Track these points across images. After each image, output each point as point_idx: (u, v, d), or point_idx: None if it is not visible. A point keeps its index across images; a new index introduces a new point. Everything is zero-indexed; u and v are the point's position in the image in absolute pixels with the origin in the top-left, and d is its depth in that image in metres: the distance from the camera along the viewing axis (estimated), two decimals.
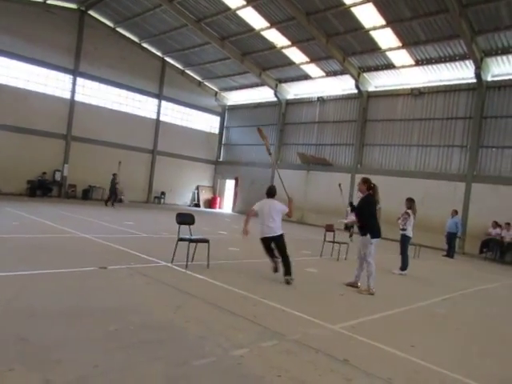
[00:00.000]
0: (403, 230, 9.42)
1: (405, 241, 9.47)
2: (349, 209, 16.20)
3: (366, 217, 6.96)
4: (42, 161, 21.72)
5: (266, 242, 7.30)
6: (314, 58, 21.59)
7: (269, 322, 4.73)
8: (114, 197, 20.56)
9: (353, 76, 21.08)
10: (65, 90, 22.97)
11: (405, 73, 19.77)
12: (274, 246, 7.21)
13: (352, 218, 11.78)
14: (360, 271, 7.24)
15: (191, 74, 28.14)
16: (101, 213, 16.33)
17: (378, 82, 21.25)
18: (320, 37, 19.16)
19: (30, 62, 21.39)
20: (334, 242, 10.57)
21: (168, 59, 26.89)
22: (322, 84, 23.65)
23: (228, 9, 19.67)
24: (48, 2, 21.62)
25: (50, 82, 22.42)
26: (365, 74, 21.18)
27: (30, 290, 5.00)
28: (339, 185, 11.14)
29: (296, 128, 25.62)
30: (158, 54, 26.44)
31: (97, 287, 5.45)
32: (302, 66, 22.77)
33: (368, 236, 6.91)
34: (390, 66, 19.72)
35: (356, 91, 21.77)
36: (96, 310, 4.52)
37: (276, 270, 7.40)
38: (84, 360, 3.23)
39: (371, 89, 21.65)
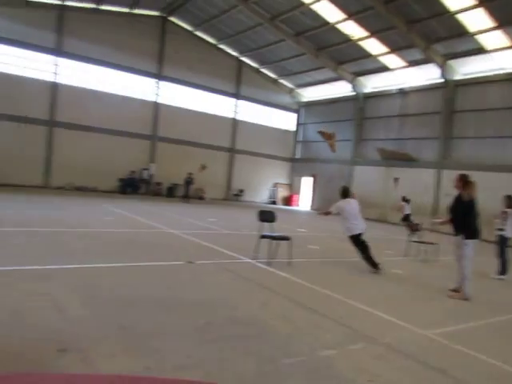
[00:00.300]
0: (501, 230, 8.62)
1: (503, 242, 8.65)
2: (403, 203, 15.35)
3: (459, 216, 6.42)
4: (130, 160, 23.32)
5: (357, 238, 7.79)
6: (393, 48, 20.63)
7: (356, 323, 4.59)
8: (187, 194, 21.82)
9: (437, 64, 19.80)
10: (149, 94, 24.39)
11: (498, 57, 18.09)
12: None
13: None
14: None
15: (267, 72, 28.38)
16: (184, 209, 17.11)
17: (467, 69, 19.70)
18: (400, 25, 18.24)
19: (118, 68, 23.04)
20: (420, 242, 9.99)
21: (244, 59, 27.38)
22: (402, 75, 22.55)
23: (302, 4, 19.49)
24: (134, 11, 23.09)
25: (137, 87, 23.95)
26: (451, 62, 19.78)
27: (127, 280, 5.37)
28: (395, 179, 10.69)
29: (375, 122, 24.72)
30: (235, 54, 27.02)
31: (186, 281, 5.70)
32: (381, 58, 21.87)
33: (461, 237, 6.36)
34: (480, 50, 18.17)
35: (441, 80, 20.44)
36: (186, 302, 4.71)
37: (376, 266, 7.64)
38: (179, 350, 3.37)
39: (458, 77, 20.17)
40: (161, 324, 3.94)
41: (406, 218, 14.90)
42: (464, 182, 6.40)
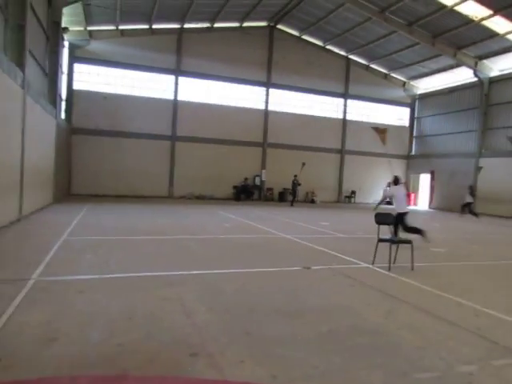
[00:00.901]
0: None
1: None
2: None
3: None
4: (244, 168, 24.32)
5: (399, 216, 9.02)
6: None
7: (497, 335, 4.06)
8: (294, 197, 21.90)
9: None
10: (260, 102, 25.18)
11: None
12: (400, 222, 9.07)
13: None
14: None
15: (376, 67, 27.27)
16: (296, 214, 17.22)
17: None
18: None
19: (230, 80, 24.25)
20: None
21: (352, 56, 26.70)
22: None
23: None
24: (244, 25, 24.11)
25: (248, 97, 24.91)
26: None
27: (247, 286, 5.53)
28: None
29: (504, 108, 22.07)
30: (342, 53, 26.50)
31: (303, 287, 5.66)
32: (509, 36, 19.43)
33: None
34: None
35: None
36: (306, 309, 4.67)
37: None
38: (304, 359, 3.33)
39: None
40: (284, 331, 3.95)
41: None
42: None
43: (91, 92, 21.76)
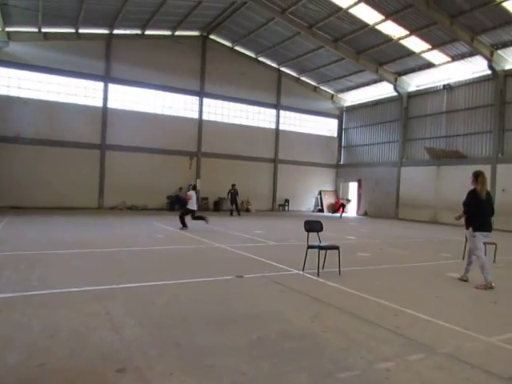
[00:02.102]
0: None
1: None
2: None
3: (470, 210, 6.99)
4: (177, 177, 24.00)
5: (191, 211, 14.07)
6: (436, 44, 20.00)
7: (413, 333, 4.41)
8: (235, 207, 21.88)
9: (485, 56, 18.96)
10: (193, 111, 25.09)
11: None
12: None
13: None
14: (467, 265, 7.29)
15: (306, 80, 28.37)
16: (230, 223, 17.31)
17: None
18: (443, 19, 17.66)
19: (162, 88, 23.92)
20: None
21: (283, 69, 27.55)
22: (447, 70, 21.78)
23: (339, 9, 19.36)
24: (176, 33, 23.96)
25: (181, 106, 24.72)
26: (500, 52, 18.90)
27: (179, 297, 5.48)
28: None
29: (421, 121, 23.96)
30: (274, 65, 27.27)
31: (236, 295, 5.73)
32: (424, 55, 21.27)
33: (470, 229, 6.95)
34: None
35: (489, 72, 19.52)
36: (237, 317, 4.74)
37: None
38: (233, 367, 3.38)
39: (509, 66, 19.14)
40: (214, 340, 3.98)
41: None
42: (475, 178, 7.01)
43: (10, 97, 20.35)
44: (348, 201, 26.74)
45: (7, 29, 19.72)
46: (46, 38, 20.91)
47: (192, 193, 14.11)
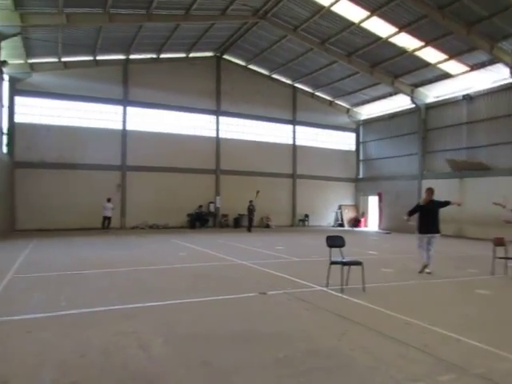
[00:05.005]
0: None
1: None
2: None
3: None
4: (197, 195, 24.26)
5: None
6: (453, 54, 19.80)
7: (443, 352, 4.30)
8: (251, 223, 22.09)
9: (506, 64, 18.57)
10: (210, 130, 25.46)
11: None
12: None
13: None
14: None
15: (321, 95, 28.49)
16: (251, 239, 17.32)
17: None
18: (459, 29, 17.49)
19: (179, 109, 24.44)
20: (507, 258, 9.19)
21: (298, 85, 27.75)
22: (466, 80, 21.52)
23: (352, 24, 19.49)
24: (190, 55, 24.53)
25: (198, 125, 25.14)
26: None
27: (204, 315, 5.51)
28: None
29: (441, 133, 23.65)
30: (288, 81, 27.51)
31: (260, 313, 5.72)
32: (441, 65, 21.09)
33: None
34: None
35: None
36: (263, 335, 4.72)
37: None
38: None
39: None
40: (240, 358, 3.98)
41: None
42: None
43: (35, 125, 21.08)
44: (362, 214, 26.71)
45: (30, 60, 20.55)
46: (66, 67, 21.69)
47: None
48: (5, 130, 19.51)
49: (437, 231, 9.45)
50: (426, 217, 9.41)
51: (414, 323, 5.33)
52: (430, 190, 9.64)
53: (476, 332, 5.02)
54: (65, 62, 21.62)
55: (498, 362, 4.11)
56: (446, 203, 9.58)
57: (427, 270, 9.20)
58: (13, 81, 20.35)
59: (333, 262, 7.28)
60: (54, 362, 3.78)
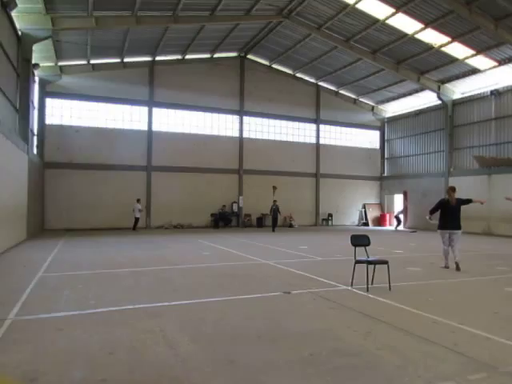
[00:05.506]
0: None
1: None
2: None
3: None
4: (221, 195, 24.43)
5: None
6: (481, 49, 19.35)
7: (473, 351, 4.21)
8: (275, 223, 21.89)
9: None
10: (234, 130, 25.58)
11: None
12: None
13: None
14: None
15: (345, 93, 28.23)
16: (275, 239, 17.32)
17: None
18: (487, 23, 17.10)
19: (203, 109, 24.64)
20: None
21: (321, 83, 27.59)
22: (494, 75, 20.95)
23: (376, 21, 19.25)
24: (215, 56, 24.73)
25: (222, 124, 25.30)
26: None
27: (229, 314, 5.55)
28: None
29: (468, 129, 23.09)
30: (312, 80, 27.37)
31: (285, 312, 5.72)
32: (468, 61, 20.61)
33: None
34: None
35: None
36: (288, 334, 4.72)
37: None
38: None
39: None
40: (266, 357, 3.99)
41: None
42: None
43: (64, 126, 21.69)
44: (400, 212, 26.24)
45: (59, 63, 21.16)
46: (94, 69, 22.24)
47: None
48: (36, 132, 20.15)
49: (458, 227, 9.59)
50: (447, 213, 9.59)
51: (443, 322, 5.23)
52: (452, 189, 9.74)
53: (506, 330, 4.90)
54: (93, 65, 22.19)
55: None
56: (468, 201, 9.84)
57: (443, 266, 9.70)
58: (43, 83, 21.01)
59: (358, 261, 7.21)
60: (83, 359, 3.88)
